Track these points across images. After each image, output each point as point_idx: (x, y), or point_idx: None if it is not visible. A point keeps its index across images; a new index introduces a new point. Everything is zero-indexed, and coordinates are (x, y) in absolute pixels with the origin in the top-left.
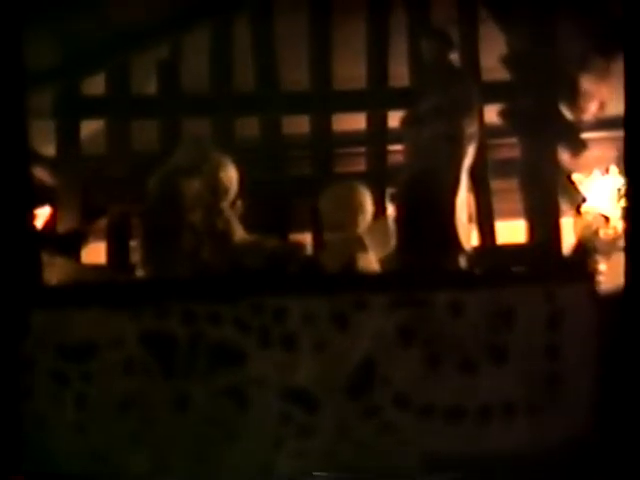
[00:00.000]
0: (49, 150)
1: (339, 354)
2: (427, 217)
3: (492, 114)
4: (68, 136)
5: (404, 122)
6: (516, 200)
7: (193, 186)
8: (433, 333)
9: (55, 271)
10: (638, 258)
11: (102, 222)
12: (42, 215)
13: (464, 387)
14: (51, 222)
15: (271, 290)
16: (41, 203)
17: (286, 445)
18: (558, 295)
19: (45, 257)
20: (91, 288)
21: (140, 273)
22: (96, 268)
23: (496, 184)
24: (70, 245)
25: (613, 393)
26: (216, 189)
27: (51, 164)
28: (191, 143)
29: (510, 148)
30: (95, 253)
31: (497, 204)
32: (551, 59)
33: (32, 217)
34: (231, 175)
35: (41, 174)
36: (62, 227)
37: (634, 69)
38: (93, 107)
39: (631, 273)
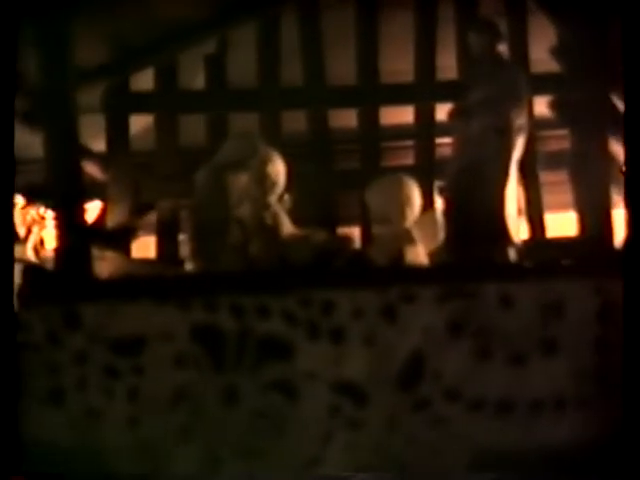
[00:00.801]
0: (99, 145)
1: (388, 347)
2: (476, 210)
3: (542, 106)
4: (118, 131)
5: (452, 115)
6: (567, 192)
7: (241, 180)
8: (482, 326)
9: (105, 265)
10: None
11: (151, 216)
12: (93, 209)
13: (514, 380)
14: (101, 217)
15: (319, 283)
16: (91, 198)
17: (335, 438)
18: (609, 288)
19: (95, 251)
20: (141, 282)
21: (189, 267)
22: (146, 262)
23: (546, 176)
24: (120, 239)
25: None
26: (264, 183)
27: (101, 159)
28: (238, 138)
29: (560, 140)
30: (145, 247)
31: (547, 196)
32: (601, 49)
33: (82, 211)
34: (278, 169)
35: (91, 169)
36: (112, 221)
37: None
38: (142, 102)
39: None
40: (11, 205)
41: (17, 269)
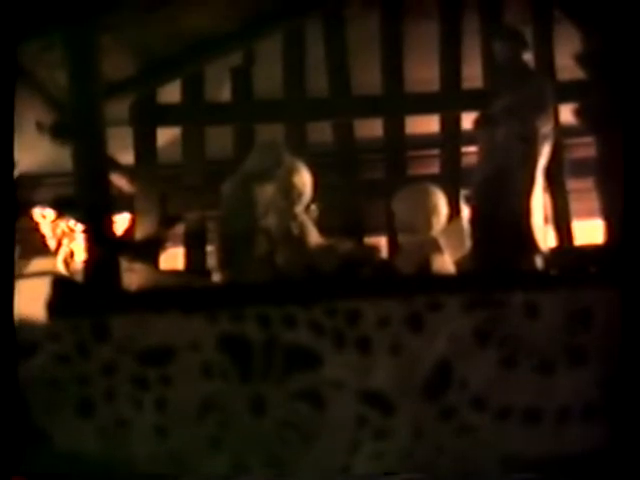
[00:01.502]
0: (127, 158)
1: (414, 356)
2: (502, 218)
3: (568, 113)
4: (145, 144)
5: (477, 123)
6: (594, 199)
7: (267, 191)
8: (509, 334)
9: (134, 277)
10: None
11: (179, 228)
12: (121, 222)
13: (541, 389)
14: (130, 229)
15: (345, 293)
16: (120, 210)
17: (363, 447)
18: (637, 295)
19: (124, 263)
20: (168, 293)
21: (216, 278)
22: (174, 273)
23: (573, 184)
24: (148, 251)
25: None
26: (290, 193)
27: (129, 172)
28: (264, 148)
29: (586, 147)
30: (173, 258)
31: (574, 204)
32: (626, 57)
33: (111, 224)
34: (305, 179)
35: (119, 181)
36: (140, 233)
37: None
38: (169, 115)
39: None
40: (13, 217)
41: (47, 281)
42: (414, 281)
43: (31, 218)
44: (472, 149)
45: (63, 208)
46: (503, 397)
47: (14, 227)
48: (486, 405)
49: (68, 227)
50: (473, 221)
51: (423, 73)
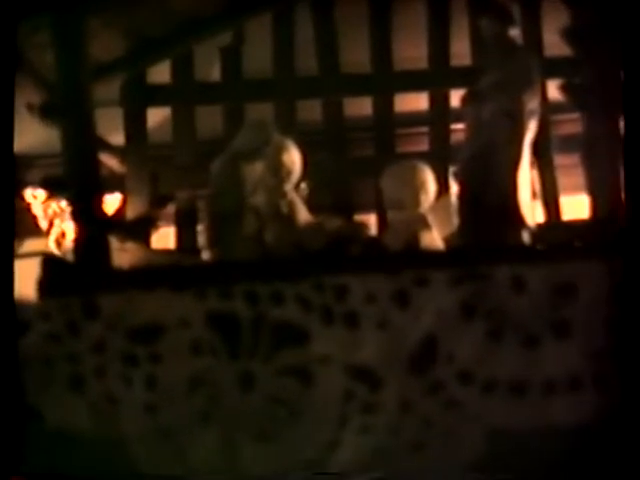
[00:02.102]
0: (118, 139)
1: (401, 331)
2: (489, 194)
3: (555, 90)
4: (135, 124)
5: (465, 100)
6: (581, 175)
7: (256, 169)
8: (495, 308)
9: (126, 256)
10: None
11: (170, 208)
12: (112, 201)
13: (527, 362)
14: (121, 209)
15: (333, 269)
16: (111, 190)
17: (351, 421)
18: (620, 269)
19: (116, 243)
20: (158, 271)
21: (205, 256)
22: (166, 252)
23: (561, 159)
24: (140, 230)
25: None
26: (279, 172)
27: (120, 152)
28: (253, 127)
29: (574, 123)
30: (164, 238)
31: (562, 179)
32: (613, 34)
33: (101, 204)
34: (294, 158)
35: (110, 161)
36: (131, 213)
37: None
38: (159, 95)
39: None
40: (12, 201)
41: (38, 261)
42: (401, 257)
43: (23, 199)
44: (461, 126)
45: (53, 188)
46: (489, 370)
47: (14, 207)
48: (472, 379)
49: (59, 207)
50: (461, 197)
51: (411, 51)
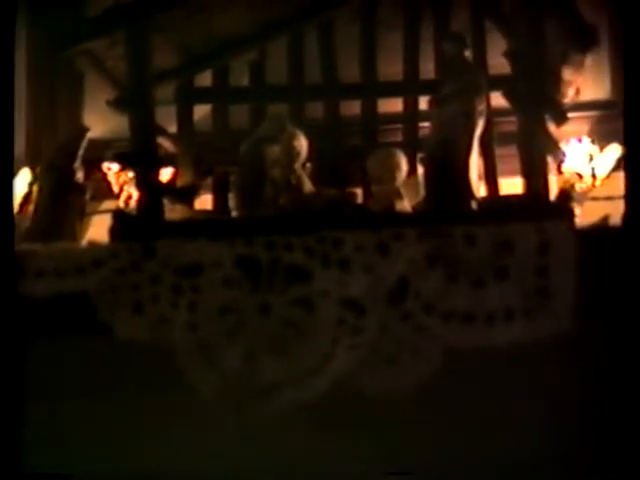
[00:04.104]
0: (172, 128)
1: (382, 273)
2: (447, 174)
3: (497, 98)
4: (185, 117)
5: (431, 104)
6: (515, 162)
7: (273, 151)
8: (452, 258)
9: (176, 214)
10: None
11: (209, 179)
12: (167, 174)
13: (475, 298)
14: (173, 179)
15: (331, 226)
16: (166, 165)
17: (342, 340)
18: (546, 229)
19: (167, 204)
20: (199, 224)
21: (235, 214)
22: (204, 212)
23: (500, 150)
24: (187, 196)
25: (591, 299)
26: (291, 153)
27: (174, 137)
28: (272, 119)
29: (510, 124)
30: (204, 202)
31: (500, 165)
32: (541, 55)
33: (158, 175)
34: (302, 143)
35: (166, 144)
36: (181, 183)
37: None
38: (203, 96)
39: None
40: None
41: (111, 216)
42: (382, 218)
43: (100, 170)
44: (426, 124)
45: (123, 162)
46: (447, 304)
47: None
48: (434, 310)
49: (127, 177)
50: (426, 176)
51: (391, 68)
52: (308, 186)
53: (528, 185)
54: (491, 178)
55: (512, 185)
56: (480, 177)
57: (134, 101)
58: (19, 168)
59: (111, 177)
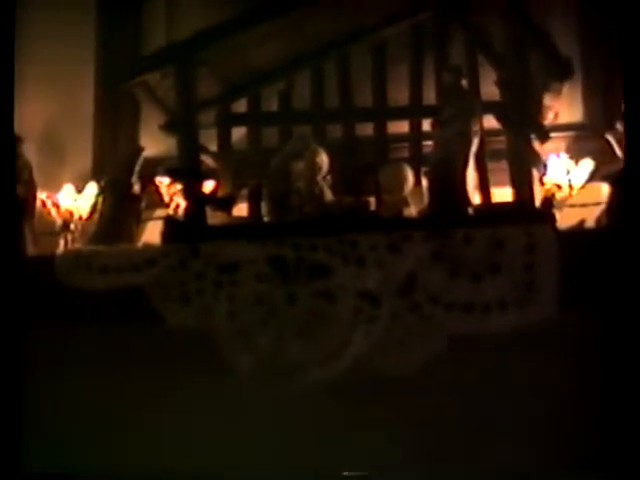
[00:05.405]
0: (214, 147)
1: (393, 269)
2: (448, 184)
3: (489, 121)
4: (224, 138)
5: (433, 126)
6: (505, 175)
7: (299, 166)
8: (453, 255)
9: (217, 220)
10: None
11: (245, 190)
12: (209, 186)
13: (473, 291)
14: (215, 191)
15: (348, 230)
16: (208, 179)
17: (359, 328)
18: (533, 231)
19: (209, 212)
20: (236, 228)
21: (266, 220)
22: (241, 218)
23: (492, 165)
24: (226, 204)
25: (575, 290)
26: (314, 168)
27: (215, 156)
28: (298, 138)
29: (501, 142)
30: (241, 209)
31: (492, 177)
32: (526, 84)
33: (200, 187)
34: (323, 159)
35: (208, 161)
36: (221, 193)
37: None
38: (239, 120)
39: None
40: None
41: (163, 222)
42: (392, 222)
43: (153, 184)
44: (429, 143)
45: (173, 176)
46: (449, 296)
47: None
48: (439, 301)
49: (176, 189)
50: (430, 187)
51: (399, 95)
52: (329, 196)
53: (516, 194)
54: (485, 188)
55: (503, 194)
56: (475, 187)
57: (182, 125)
58: (87, 182)
59: (162, 189)
